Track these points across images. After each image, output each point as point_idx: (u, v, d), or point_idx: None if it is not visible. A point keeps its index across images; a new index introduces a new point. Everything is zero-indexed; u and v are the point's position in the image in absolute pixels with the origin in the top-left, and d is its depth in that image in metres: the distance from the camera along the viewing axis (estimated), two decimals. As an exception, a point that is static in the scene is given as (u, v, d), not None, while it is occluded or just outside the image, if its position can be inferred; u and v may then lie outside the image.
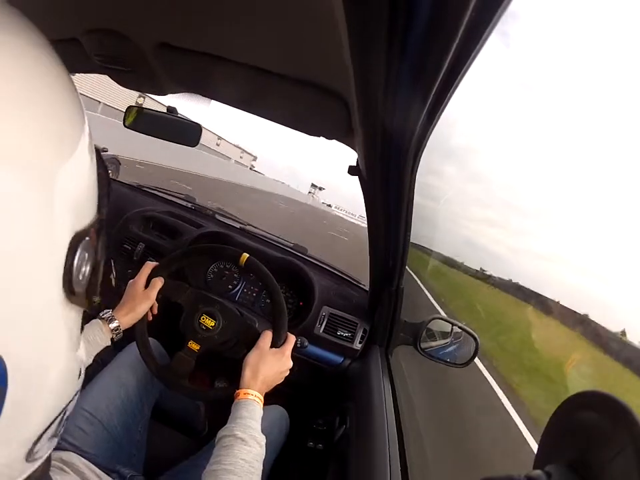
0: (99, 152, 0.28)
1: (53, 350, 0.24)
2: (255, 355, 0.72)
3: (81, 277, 0.24)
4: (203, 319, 0.82)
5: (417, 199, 0.58)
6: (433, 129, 0.42)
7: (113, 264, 1.14)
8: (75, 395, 0.29)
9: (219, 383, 1.28)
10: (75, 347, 0.28)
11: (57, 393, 0.27)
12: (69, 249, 0.23)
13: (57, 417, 0.27)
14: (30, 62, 0.20)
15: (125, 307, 0.76)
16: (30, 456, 0.26)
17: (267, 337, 0.76)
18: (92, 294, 0.26)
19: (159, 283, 0.80)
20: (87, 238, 0.24)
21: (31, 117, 0.20)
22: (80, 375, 0.29)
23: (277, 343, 0.76)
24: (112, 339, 0.72)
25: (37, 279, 0.21)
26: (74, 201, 0.23)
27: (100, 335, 0.70)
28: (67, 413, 0.29)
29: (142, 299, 0.78)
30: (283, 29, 0.40)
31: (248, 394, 0.66)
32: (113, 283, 1.11)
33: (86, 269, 0.25)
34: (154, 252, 1.16)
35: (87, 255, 0.24)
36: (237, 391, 0.67)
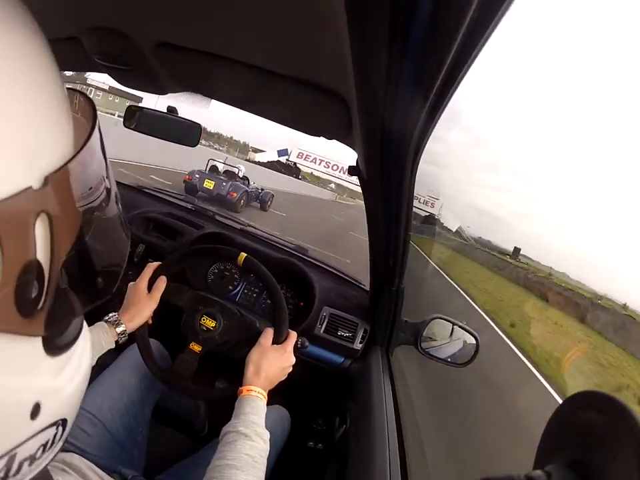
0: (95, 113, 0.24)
1: None
2: (257, 352, 0.72)
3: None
4: (204, 319, 0.82)
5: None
6: (433, 129, 0.42)
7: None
8: (30, 438, 0.22)
9: (220, 383, 1.28)
10: (22, 374, 0.20)
11: None
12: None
13: None
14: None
15: (129, 311, 0.76)
16: None
17: (268, 333, 0.76)
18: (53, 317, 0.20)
19: (161, 284, 0.80)
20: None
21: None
22: (37, 412, 0.21)
23: (278, 340, 0.76)
24: (116, 342, 0.72)
25: None
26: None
27: (105, 338, 0.69)
28: (18, 457, 0.21)
29: (146, 302, 0.78)
30: (283, 29, 0.40)
31: (251, 390, 0.66)
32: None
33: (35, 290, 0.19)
34: (154, 253, 1.15)
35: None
36: (240, 388, 0.67)
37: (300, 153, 29.59)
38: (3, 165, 0.17)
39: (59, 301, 0.21)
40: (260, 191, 9.89)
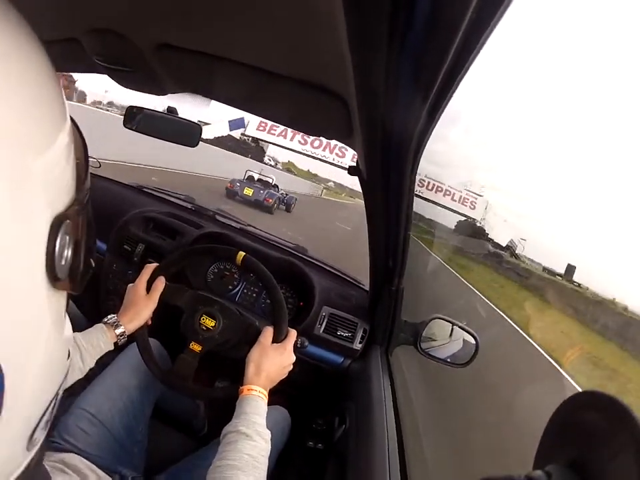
0: (80, 132, 0.28)
1: (41, 336, 0.24)
2: (257, 351, 0.72)
3: (63, 262, 0.24)
4: (203, 319, 0.82)
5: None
6: (433, 129, 0.42)
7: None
8: (65, 376, 0.30)
9: (220, 383, 1.28)
10: (62, 330, 0.28)
11: (50, 377, 0.27)
12: (50, 233, 0.23)
13: (51, 400, 0.27)
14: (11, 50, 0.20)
15: (129, 312, 0.76)
16: (30, 444, 0.26)
17: (268, 332, 0.76)
18: (75, 277, 0.26)
19: (160, 285, 0.80)
20: (67, 221, 0.24)
21: (7, 101, 0.19)
22: (68, 355, 0.30)
23: (278, 338, 0.76)
24: (115, 343, 0.72)
25: (19, 267, 0.21)
26: (51, 184, 0.23)
27: (104, 340, 0.69)
28: (59, 396, 0.29)
29: (145, 303, 0.77)
30: (283, 29, 0.40)
31: (252, 390, 0.66)
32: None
33: (68, 253, 0.24)
34: (154, 253, 1.15)
35: (67, 238, 0.24)
36: (241, 387, 0.67)
37: (262, 123, 19.21)
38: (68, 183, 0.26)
39: (83, 269, 0.27)
40: (285, 195, 11.80)
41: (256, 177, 11.47)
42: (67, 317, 0.30)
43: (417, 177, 0.59)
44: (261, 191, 10.17)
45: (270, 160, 29.89)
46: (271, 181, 11.38)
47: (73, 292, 0.27)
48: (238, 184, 10.19)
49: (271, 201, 10.16)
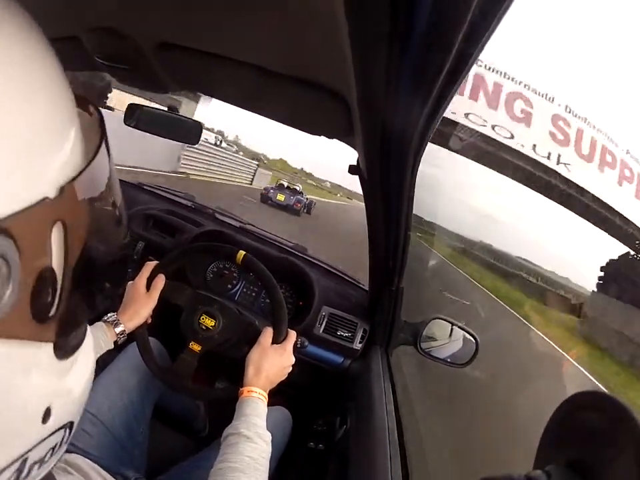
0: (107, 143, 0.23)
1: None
2: (257, 352, 0.72)
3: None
4: (203, 319, 0.81)
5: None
6: (434, 129, 0.42)
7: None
8: (40, 442, 0.22)
9: (220, 383, 1.28)
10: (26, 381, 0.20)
11: (9, 439, 0.20)
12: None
13: (9, 464, 0.20)
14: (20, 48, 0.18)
15: (128, 311, 0.75)
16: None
17: (267, 333, 0.75)
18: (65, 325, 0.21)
19: (160, 282, 0.80)
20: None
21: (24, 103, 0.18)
22: (48, 416, 0.22)
23: (278, 339, 0.76)
24: (115, 342, 0.72)
25: None
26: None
27: (103, 339, 0.69)
28: (29, 461, 0.22)
29: (145, 301, 0.77)
30: (283, 29, 0.40)
31: (252, 391, 0.66)
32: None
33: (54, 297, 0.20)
34: (154, 251, 1.15)
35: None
36: (241, 389, 0.67)
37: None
38: (20, 177, 0.17)
39: (70, 306, 0.21)
40: (307, 200, 13.95)
41: (285, 184, 13.79)
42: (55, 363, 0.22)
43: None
44: (291, 197, 12.36)
45: (215, 133, 27.52)
46: (298, 188, 13.66)
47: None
48: (271, 190, 12.48)
49: (299, 205, 12.55)
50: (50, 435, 0.23)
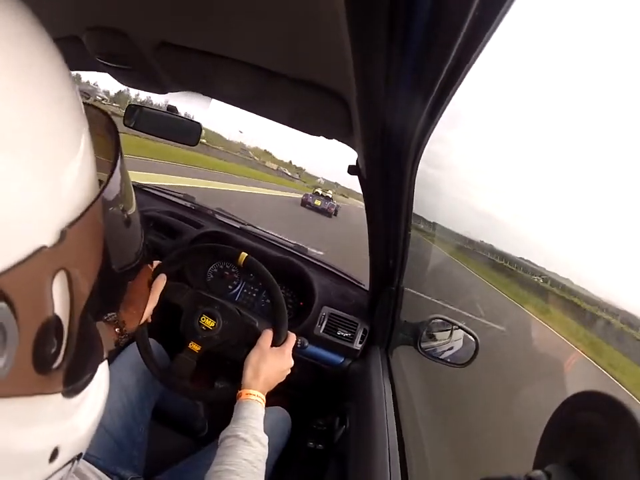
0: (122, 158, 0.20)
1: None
2: (256, 355, 0.72)
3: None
4: (203, 319, 0.81)
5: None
6: (433, 129, 0.42)
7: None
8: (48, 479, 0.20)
9: (219, 383, 1.27)
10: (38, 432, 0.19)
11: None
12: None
13: None
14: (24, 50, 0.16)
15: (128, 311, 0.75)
16: None
17: (267, 336, 0.75)
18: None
19: (161, 283, 0.79)
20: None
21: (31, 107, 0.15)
22: (55, 455, 0.20)
23: (277, 342, 0.76)
24: (116, 342, 0.71)
25: None
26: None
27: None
28: None
29: None
30: (283, 29, 0.40)
31: (250, 394, 0.66)
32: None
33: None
34: (154, 252, 1.15)
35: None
36: (239, 392, 0.67)
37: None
38: (10, 225, 0.14)
39: (78, 353, 0.19)
40: (335, 204, 17.69)
41: (319, 192, 18.14)
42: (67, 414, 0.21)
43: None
44: (326, 202, 16.62)
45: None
46: (330, 195, 18.04)
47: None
48: (310, 197, 16.62)
49: (332, 209, 16.71)
50: (58, 471, 0.21)
